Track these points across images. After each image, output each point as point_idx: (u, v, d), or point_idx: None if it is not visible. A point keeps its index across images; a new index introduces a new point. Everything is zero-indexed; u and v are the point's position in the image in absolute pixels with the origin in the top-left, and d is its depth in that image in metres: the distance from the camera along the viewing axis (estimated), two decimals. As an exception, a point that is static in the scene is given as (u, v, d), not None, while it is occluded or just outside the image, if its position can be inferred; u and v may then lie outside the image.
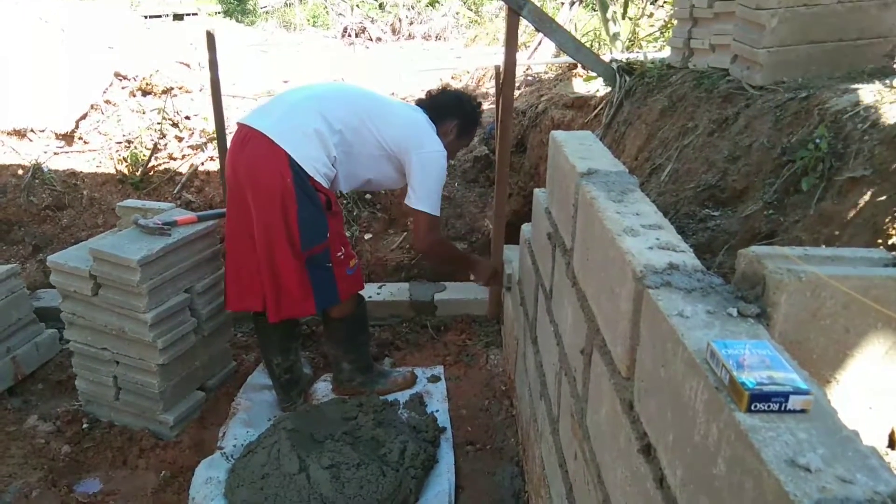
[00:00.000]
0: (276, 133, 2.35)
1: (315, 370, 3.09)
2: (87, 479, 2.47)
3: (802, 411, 0.74)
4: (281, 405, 2.81)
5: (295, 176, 2.33)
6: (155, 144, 4.93)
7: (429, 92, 2.87)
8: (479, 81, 7.11)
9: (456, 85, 7.17)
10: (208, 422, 2.77)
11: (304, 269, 2.45)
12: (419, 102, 2.78)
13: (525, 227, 2.65)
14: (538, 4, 7.85)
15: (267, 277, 2.47)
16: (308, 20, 14.11)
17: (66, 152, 4.87)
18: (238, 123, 2.49)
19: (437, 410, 2.76)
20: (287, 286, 2.47)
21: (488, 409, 2.84)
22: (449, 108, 2.72)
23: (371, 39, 12.52)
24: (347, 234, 4.21)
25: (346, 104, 2.53)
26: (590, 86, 4.68)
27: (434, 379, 3.00)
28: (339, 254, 2.53)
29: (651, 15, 6.02)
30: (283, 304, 2.51)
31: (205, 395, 2.86)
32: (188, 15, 12.50)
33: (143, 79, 5.50)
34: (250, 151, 2.39)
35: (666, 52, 4.12)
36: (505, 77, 2.95)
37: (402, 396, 2.85)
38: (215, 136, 3.78)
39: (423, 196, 2.53)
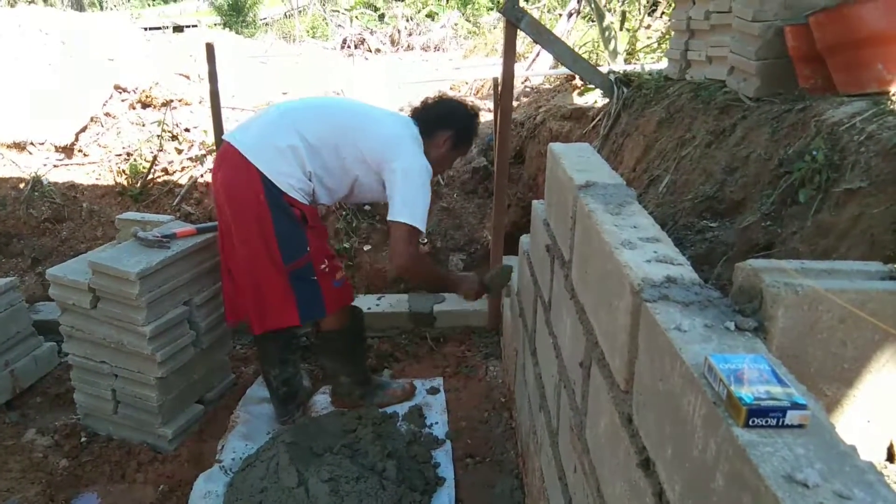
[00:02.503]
0: (250, 150, 2.38)
1: (314, 382, 3.09)
2: (85, 494, 2.46)
3: (800, 426, 0.74)
4: (279, 419, 2.80)
5: (267, 192, 2.34)
6: (154, 157, 4.94)
7: (424, 101, 2.79)
8: (477, 92, 7.15)
9: (454, 96, 7.20)
10: (207, 435, 2.76)
11: (287, 282, 2.45)
12: (414, 113, 2.73)
13: (524, 239, 2.65)
14: (537, 15, 7.89)
15: (249, 291, 2.50)
16: (307, 32, 14.18)
17: (66, 165, 4.89)
18: (223, 139, 2.51)
19: (437, 422, 2.76)
20: (269, 299, 2.49)
21: (488, 421, 2.84)
22: (442, 120, 2.63)
23: (370, 51, 12.57)
24: (346, 245, 4.22)
25: (324, 119, 2.50)
26: (588, 97, 4.71)
27: (433, 391, 3.00)
28: (323, 266, 2.51)
29: (648, 27, 6.06)
30: (267, 316, 2.53)
31: (203, 409, 2.85)
32: (188, 27, 12.56)
33: (143, 91, 5.52)
34: (226, 169, 2.43)
35: (663, 64, 4.15)
36: (503, 88, 2.97)
37: (402, 409, 2.84)
38: (215, 148, 3.79)
39: (402, 206, 2.39)
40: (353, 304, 2.76)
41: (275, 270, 2.43)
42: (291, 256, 2.42)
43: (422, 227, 2.42)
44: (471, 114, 2.73)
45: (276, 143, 2.38)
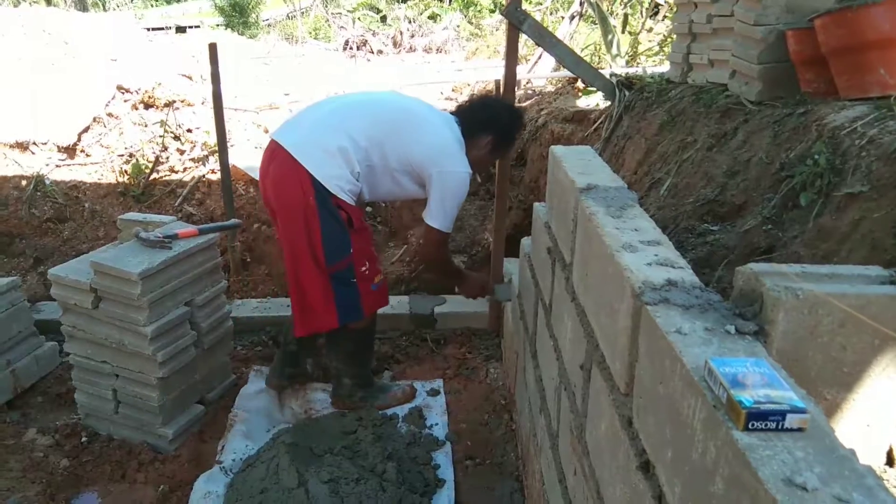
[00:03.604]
0: (299, 150, 2.37)
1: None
2: (85, 493, 2.46)
3: (800, 430, 0.74)
4: (270, 380, 2.83)
5: (317, 194, 2.34)
6: (157, 157, 4.95)
7: (471, 98, 2.80)
8: (479, 95, 7.16)
9: (455, 97, 7.21)
10: (207, 435, 2.76)
11: (328, 283, 2.47)
12: (457, 110, 2.72)
13: (525, 241, 2.66)
14: (539, 18, 7.90)
15: (293, 291, 2.53)
16: (310, 33, 14.21)
17: (69, 165, 4.90)
18: (270, 138, 2.51)
19: (437, 424, 2.76)
20: (311, 300, 2.51)
21: (488, 423, 2.84)
22: (485, 124, 2.62)
23: (372, 52, 12.61)
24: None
25: (373, 117, 2.51)
26: (589, 100, 4.71)
27: (433, 392, 3.00)
28: (364, 269, 2.54)
29: (650, 30, 6.06)
30: (308, 318, 2.56)
31: (204, 409, 2.85)
32: (191, 27, 12.58)
33: (146, 91, 5.53)
34: (276, 168, 2.43)
35: (665, 67, 4.15)
36: (505, 90, 2.97)
37: (402, 410, 2.84)
38: (217, 149, 3.80)
39: (438, 213, 2.51)
40: None
41: (317, 271, 2.45)
42: (335, 258, 2.44)
43: (450, 231, 2.59)
44: (514, 116, 2.73)
45: (326, 145, 2.38)
